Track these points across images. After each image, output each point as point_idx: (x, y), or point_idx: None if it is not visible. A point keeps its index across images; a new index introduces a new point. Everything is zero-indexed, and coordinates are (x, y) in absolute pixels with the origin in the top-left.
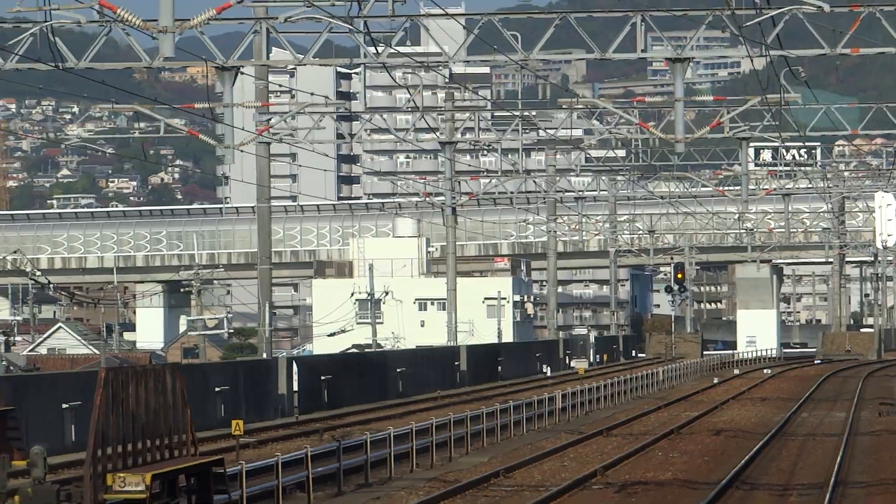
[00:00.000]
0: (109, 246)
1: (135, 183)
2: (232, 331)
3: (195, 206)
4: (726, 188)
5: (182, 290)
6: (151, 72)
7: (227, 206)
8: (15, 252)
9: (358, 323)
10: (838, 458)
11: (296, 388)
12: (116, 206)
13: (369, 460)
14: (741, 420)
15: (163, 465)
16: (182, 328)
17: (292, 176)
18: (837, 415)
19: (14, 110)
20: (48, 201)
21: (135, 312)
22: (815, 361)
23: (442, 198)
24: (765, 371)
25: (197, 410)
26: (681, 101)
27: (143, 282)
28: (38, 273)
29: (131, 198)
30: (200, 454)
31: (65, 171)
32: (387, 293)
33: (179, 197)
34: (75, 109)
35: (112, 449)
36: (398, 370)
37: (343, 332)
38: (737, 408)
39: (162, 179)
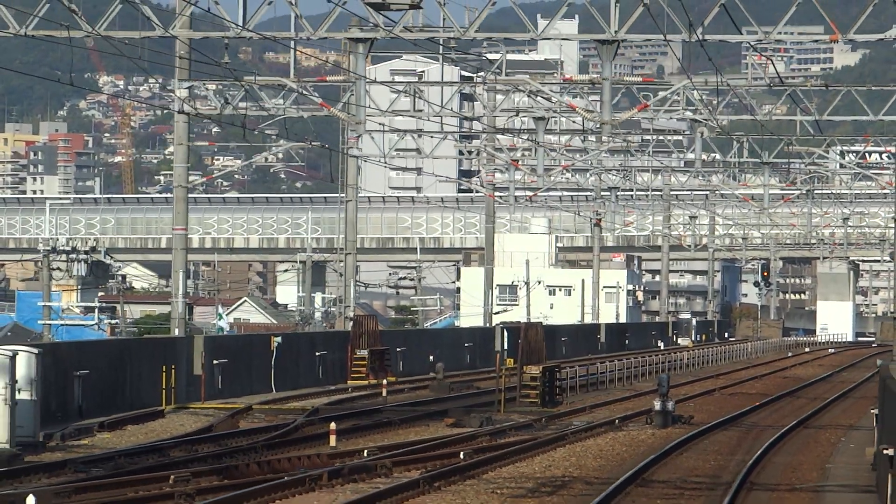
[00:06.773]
0: (254, 228)
1: (239, 161)
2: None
3: (332, 195)
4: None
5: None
6: (255, 52)
7: (359, 195)
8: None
9: (497, 304)
10: (846, 389)
11: (505, 346)
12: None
13: (599, 378)
14: (800, 374)
15: (539, 365)
16: (318, 303)
17: (417, 169)
18: (865, 374)
19: (122, 86)
20: (155, 177)
21: (261, 289)
22: (873, 345)
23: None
24: (829, 350)
25: (452, 356)
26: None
27: (284, 262)
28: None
29: (236, 175)
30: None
31: (171, 148)
32: (539, 282)
33: (283, 177)
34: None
35: (524, 357)
36: (562, 338)
37: (505, 311)
38: (800, 369)
39: (266, 159)
